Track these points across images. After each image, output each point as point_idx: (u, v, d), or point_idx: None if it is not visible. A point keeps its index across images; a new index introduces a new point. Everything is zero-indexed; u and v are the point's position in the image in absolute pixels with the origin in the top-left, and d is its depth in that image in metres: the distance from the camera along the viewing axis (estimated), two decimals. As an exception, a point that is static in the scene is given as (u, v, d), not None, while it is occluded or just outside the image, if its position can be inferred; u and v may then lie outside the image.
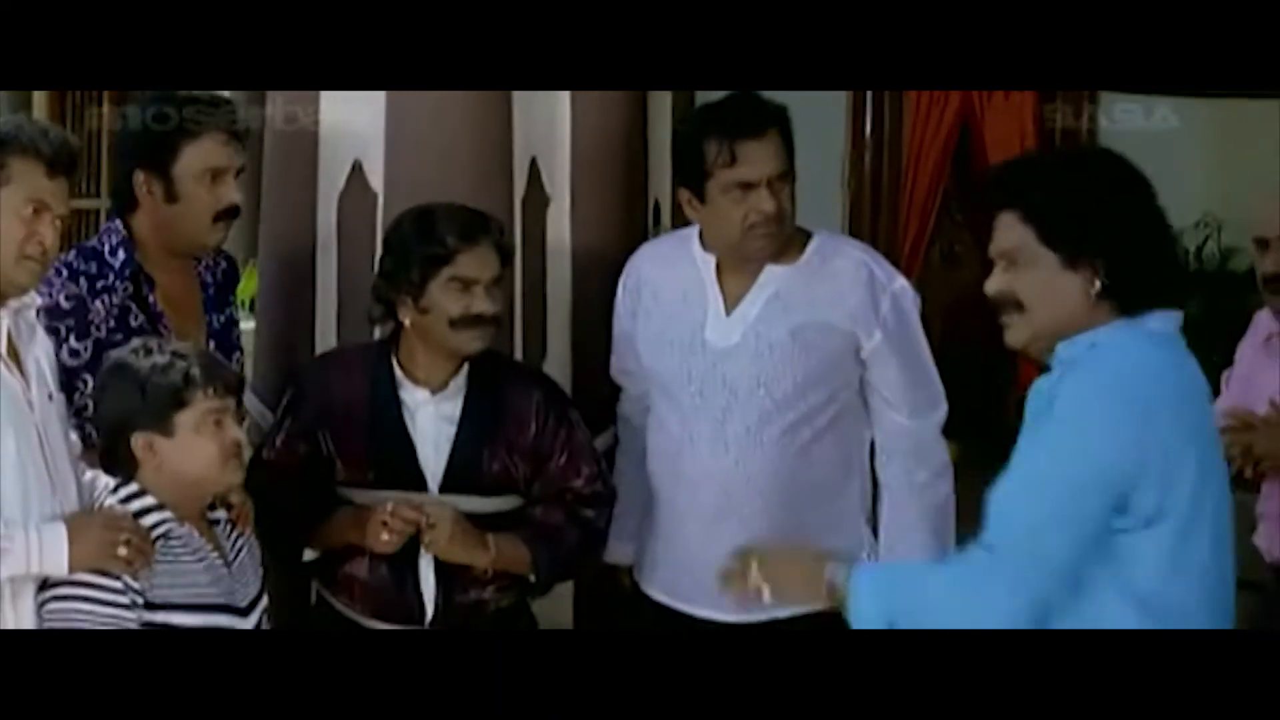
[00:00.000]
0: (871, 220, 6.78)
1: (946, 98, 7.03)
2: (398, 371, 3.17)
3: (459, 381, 3.17)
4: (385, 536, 3.06)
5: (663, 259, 3.31)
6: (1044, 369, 2.46)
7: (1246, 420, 3.31)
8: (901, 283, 3.23)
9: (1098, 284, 2.37)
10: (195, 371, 2.76)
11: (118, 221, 3.24)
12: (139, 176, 3.21)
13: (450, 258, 3.08)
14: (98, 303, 3.14)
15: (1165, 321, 2.41)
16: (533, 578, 3.21)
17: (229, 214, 3.25)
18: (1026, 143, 7.13)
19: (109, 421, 2.82)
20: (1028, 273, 2.40)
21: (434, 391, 3.16)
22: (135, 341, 2.88)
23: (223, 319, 3.38)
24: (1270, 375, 3.44)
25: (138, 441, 2.76)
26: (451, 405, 3.17)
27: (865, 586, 2.47)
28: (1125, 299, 2.37)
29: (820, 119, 5.81)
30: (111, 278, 3.17)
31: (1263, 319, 3.61)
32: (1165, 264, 2.42)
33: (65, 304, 3.06)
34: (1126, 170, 2.44)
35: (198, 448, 2.77)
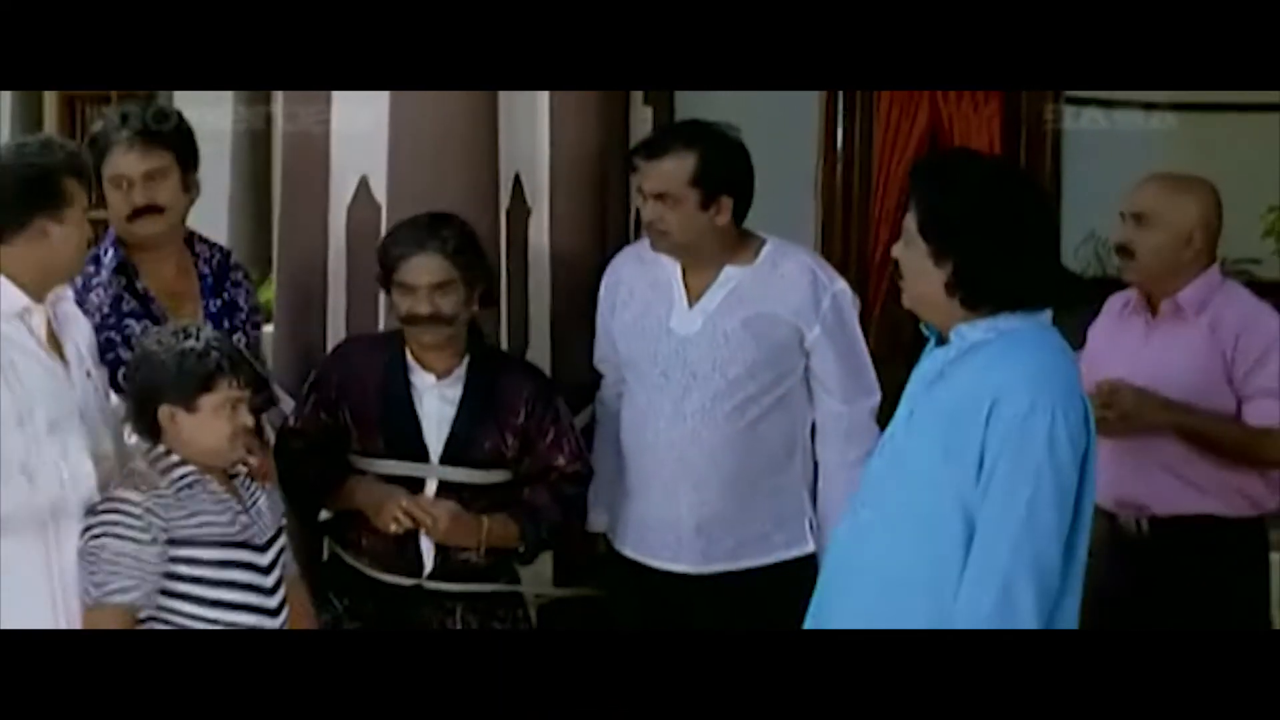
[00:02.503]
0: (843, 230, 6.64)
1: (915, 110, 6.87)
2: (409, 358, 3.54)
3: (461, 370, 3.54)
4: (394, 528, 3.42)
5: (638, 260, 3.70)
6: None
7: (1117, 388, 3.53)
8: (841, 285, 3.63)
9: (948, 279, 2.68)
10: (225, 362, 3.05)
11: (111, 228, 3.59)
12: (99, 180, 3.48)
13: (395, 266, 3.46)
14: (92, 295, 3.49)
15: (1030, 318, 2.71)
16: (521, 549, 3.59)
17: (147, 211, 3.50)
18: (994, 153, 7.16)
19: (141, 391, 3.07)
20: (909, 253, 2.73)
21: (439, 377, 3.53)
22: (174, 326, 3.16)
23: (219, 303, 3.66)
24: (1125, 340, 3.67)
25: (164, 412, 3.04)
26: (454, 390, 3.53)
27: None
28: (970, 296, 2.67)
29: (792, 132, 6.04)
30: (104, 274, 3.52)
31: (1117, 299, 3.82)
32: (1014, 271, 2.66)
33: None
34: (1008, 183, 2.73)
35: (214, 426, 3.04)
